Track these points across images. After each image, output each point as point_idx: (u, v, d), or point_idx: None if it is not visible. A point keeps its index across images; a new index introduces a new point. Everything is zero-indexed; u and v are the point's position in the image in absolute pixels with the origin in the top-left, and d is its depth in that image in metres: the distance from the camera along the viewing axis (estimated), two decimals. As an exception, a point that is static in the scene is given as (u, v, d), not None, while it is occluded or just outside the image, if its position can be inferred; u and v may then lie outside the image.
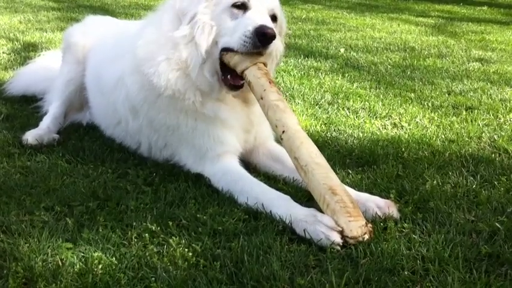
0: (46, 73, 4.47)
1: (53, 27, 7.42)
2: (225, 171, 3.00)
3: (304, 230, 2.48)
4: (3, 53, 5.96)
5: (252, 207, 2.73)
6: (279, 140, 3.00)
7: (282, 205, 2.68)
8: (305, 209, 2.63)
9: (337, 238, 2.42)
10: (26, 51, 6.00)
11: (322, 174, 2.62)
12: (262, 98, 2.87)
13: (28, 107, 4.28)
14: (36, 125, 3.77)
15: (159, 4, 3.37)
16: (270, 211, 2.66)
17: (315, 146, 2.76)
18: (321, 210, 2.58)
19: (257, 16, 2.93)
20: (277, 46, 3.15)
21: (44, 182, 2.99)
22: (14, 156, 3.33)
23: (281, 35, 3.28)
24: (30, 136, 3.53)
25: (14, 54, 5.89)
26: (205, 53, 3.00)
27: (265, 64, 2.98)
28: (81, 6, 9.35)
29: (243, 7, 2.98)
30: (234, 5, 2.98)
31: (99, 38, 3.92)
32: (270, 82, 2.89)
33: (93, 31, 4.02)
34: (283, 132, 2.76)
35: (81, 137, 3.73)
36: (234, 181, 2.92)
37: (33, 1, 9.60)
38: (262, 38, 2.84)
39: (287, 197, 2.74)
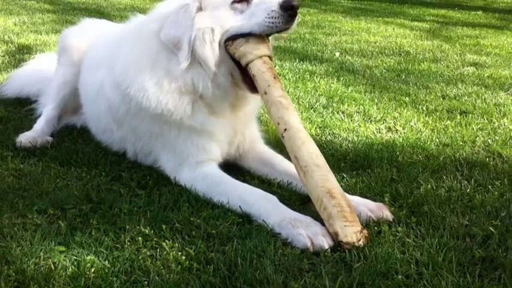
0: (40, 75, 4.45)
1: (48, 29, 7.40)
2: (204, 175, 2.97)
3: (285, 232, 2.50)
4: (-3, 55, 5.94)
5: (242, 209, 2.71)
6: (270, 141, 2.97)
7: (270, 203, 2.68)
8: (294, 212, 2.63)
9: (323, 240, 2.43)
10: (21, 54, 5.98)
11: (321, 176, 2.60)
12: (266, 93, 2.83)
13: (22, 109, 4.26)
14: (30, 128, 3.75)
15: (149, 8, 3.33)
16: (259, 213, 2.65)
17: (316, 147, 2.74)
18: (316, 212, 2.58)
19: None
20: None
21: (37, 184, 2.98)
22: (7, 159, 3.31)
23: None
24: (24, 138, 3.51)
25: (9, 57, 5.87)
26: (215, 65, 2.94)
27: (270, 58, 2.94)
28: (76, 8, 9.33)
29: (243, 0, 2.93)
30: (235, 1, 2.94)
31: (94, 41, 3.90)
32: (274, 77, 2.86)
33: (89, 34, 4.00)
34: (285, 130, 2.73)
35: (75, 139, 3.72)
36: (215, 183, 2.91)
37: (28, 3, 9.58)
38: (291, 11, 2.83)
39: (274, 197, 2.73)
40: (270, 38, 3.04)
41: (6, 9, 8.84)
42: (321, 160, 2.69)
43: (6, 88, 4.51)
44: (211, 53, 2.92)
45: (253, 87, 2.92)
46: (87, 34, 4.00)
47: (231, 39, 2.91)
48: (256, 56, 2.87)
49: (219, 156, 3.14)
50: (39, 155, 3.38)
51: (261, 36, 2.91)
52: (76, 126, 3.96)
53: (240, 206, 2.72)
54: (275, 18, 2.84)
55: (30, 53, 5.96)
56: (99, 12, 8.85)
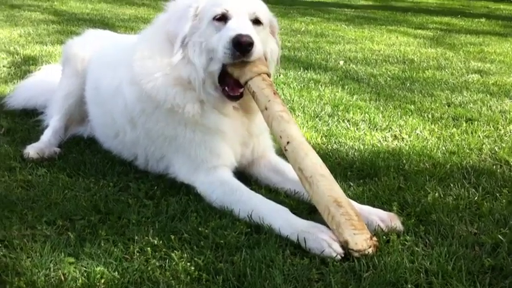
0: (46, 86, 4.46)
1: (53, 40, 7.44)
2: (221, 181, 3.00)
3: (304, 240, 2.49)
4: (3, 66, 5.97)
5: (253, 220, 2.72)
6: (280, 152, 3.00)
7: (280, 216, 2.68)
8: (305, 221, 2.64)
9: (339, 248, 2.43)
10: (26, 65, 6.01)
11: (327, 186, 2.61)
12: (266, 109, 2.86)
13: (29, 120, 4.28)
14: (37, 139, 3.76)
15: (154, 18, 3.40)
16: (269, 223, 2.66)
17: (319, 158, 2.76)
18: (323, 222, 2.58)
19: (236, 25, 2.92)
20: (270, 47, 3.16)
21: (46, 195, 2.99)
22: (15, 170, 3.33)
23: (274, 35, 3.26)
24: (32, 150, 3.53)
25: (14, 68, 5.90)
26: (204, 72, 3.01)
27: (268, 75, 2.98)
28: (80, 19, 9.38)
29: (224, 18, 2.97)
30: (215, 18, 2.99)
31: (99, 50, 3.93)
32: (274, 93, 2.89)
33: (93, 44, 4.04)
34: (288, 143, 2.76)
35: (82, 150, 3.73)
36: (231, 191, 2.92)
37: (33, 15, 9.63)
38: (239, 47, 2.83)
39: (285, 209, 2.74)
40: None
41: (11, 21, 8.89)
42: (325, 170, 2.70)
43: (12, 100, 4.52)
44: (200, 62, 3.01)
45: (229, 96, 3.00)
46: (91, 44, 4.03)
47: None
48: (255, 73, 2.90)
49: (233, 160, 3.16)
50: (47, 166, 3.40)
51: None
52: (83, 137, 3.97)
53: (252, 217, 2.73)
54: (228, 50, 2.87)
55: (35, 64, 5.99)
56: (103, 23, 8.89)
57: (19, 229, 2.62)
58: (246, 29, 2.90)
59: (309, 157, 2.71)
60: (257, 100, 2.91)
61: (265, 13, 3.13)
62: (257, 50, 2.89)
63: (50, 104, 4.23)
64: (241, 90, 2.99)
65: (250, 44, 2.84)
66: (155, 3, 11.50)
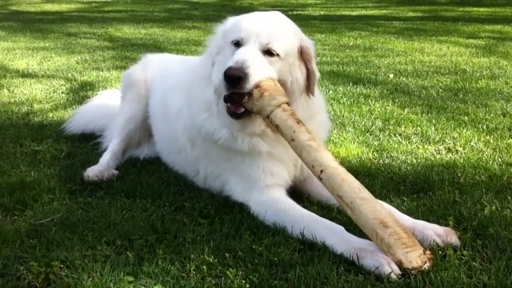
0: (104, 111, 4.64)
1: (109, 66, 7.71)
2: (274, 201, 3.03)
3: (362, 259, 2.48)
4: (62, 93, 6.22)
5: (306, 237, 2.73)
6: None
7: (334, 234, 2.68)
8: (360, 239, 2.63)
9: (398, 269, 2.41)
10: (84, 91, 6.24)
11: (369, 208, 2.58)
12: (293, 140, 2.85)
13: (87, 144, 4.43)
14: (95, 162, 3.90)
15: (204, 40, 3.51)
16: (324, 240, 2.66)
17: (356, 180, 2.73)
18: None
19: (238, 56, 2.92)
20: (294, 76, 3.09)
21: (105, 216, 3.09)
22: (75, 193, 3.46)
23: (308, 62, 3.15)
24: (92, 172, 3.66)
25: (73, 94, 6.14)
26: (215, 91, 3.09)
27: (288, 104, 2.96)
28: (134, 44, 9.67)
29: (238, 45, 3.02)
30: (233, 42, 3.05)
31: (161, 68, 4.11)
32: (297, 122, 2.87)
33: (153, 66, 4.22)
34: (321, 171, 2.73)
35: (139, 171, 3.84)
36: (285, 210, 2.94)
37: (89, 42, 10.00)
38: (228, 80, 2.85)
39: (340, 226, 2.75)
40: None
41: (68, 49, 9.26)
42: (365, 192, 2.67)
43: (72, 125, 4.69)
44: (216, 80, 3.07)
45: (232, 113, 3.00)
46: (151, 67, 4.21)
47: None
48: (275, 106, 2.89)
49: (287, 178, 3.20)
50: (105, 188, 3.52)
51: (272, 84, 2.94)
52: (139, 159, 4.09)
53: (305, 235, 2.74)
54: (222, 81, 2.90)
55: (92, 89, 6.21)
56: (155, 47, 9.13)
57: (80, 250, 2.73)
58: (247, 61, 2.88)
59: (345, 182, 2.68)
60: (282, 133, 2.90)
61: (283, 44, 3.03)
62: (252, 82, 2.86)
63: (109, 127, 4.39)
64: (242, 109, 2.97)
65: (239, 78, 2.83)
66: (205, 25, 11.73)
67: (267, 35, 3.00)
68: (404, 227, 2.54)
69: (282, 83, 3.03)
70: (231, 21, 3.20)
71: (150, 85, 4.10)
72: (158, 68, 4.15)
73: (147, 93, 4.09)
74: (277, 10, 3.36)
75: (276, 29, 3.07)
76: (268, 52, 2.99)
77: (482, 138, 4.38)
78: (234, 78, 2.84)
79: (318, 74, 3.21)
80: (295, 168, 3.25)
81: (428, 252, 2.47)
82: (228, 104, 3.01)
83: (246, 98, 2.91)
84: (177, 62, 4.21)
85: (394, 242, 2.46)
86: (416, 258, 2.41)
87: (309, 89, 3.18)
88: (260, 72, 2.90)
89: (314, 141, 2.84)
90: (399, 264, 2.42)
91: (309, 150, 2.80)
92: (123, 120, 4.11)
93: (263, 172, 3.13)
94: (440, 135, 4.46)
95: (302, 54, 3.15)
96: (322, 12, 14.85)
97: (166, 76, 3.97)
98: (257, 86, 2.88)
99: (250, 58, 2.91)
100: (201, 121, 3.22)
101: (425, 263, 2.42)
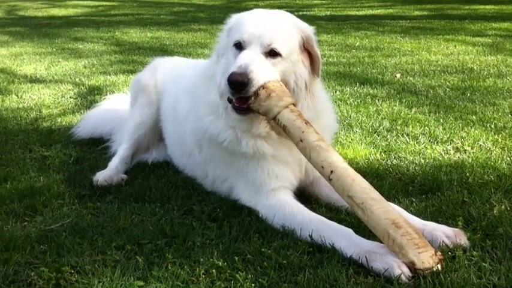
0: (112, 115, 4.67)
1: (116, 70, 7.73)
2: (282, 204, 3.02)
3: (371, 261, 2.48)
4: (70, 97, 6.24)
5: (315, 241, 2.73)
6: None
7: (343, 236, 2.68)
8: (370, 241, 2.62)
9: (408, 271, 2.40)
10: (92, 95, 6.26)
11: (381, 209, 2.57)
12: (302, 141, 2.83)
13: (96, 149, 4.45)
14: (104, 166, 3.92)
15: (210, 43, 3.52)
16: (332, 243, 2.66)
17: (366, 181, 2.73)
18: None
19: (241, 60, 2.91)
20: (298, 75, 3.06)
21: (114, 221, 3.11)
22: (84, 198, 3.48)
23: (311, 48, 3.13)
24: (101, 177, 3.68)
25: (80, 99, 6.16)
26: (220, 93, 3.09)
27: (294, 104, 2.96)
28: (141, 48, 9.69)
29: (240, 47, 3.01)
30: (234, 45, 3.05)
31: (172, 70, 4.14)
32: (306, 123, 2.87)
33: (162, 70, 4.24)
34: (332, 172, 2.72)
35: (147, 175, 3.86)
36: (293, 214, 2.93)
37: (96, 46, 10.03)
38: (232, 85, 2.86)
39: (348, 229, 2.74)
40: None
41: (76, 53, 9.30)
42: (375, 193, 2.66)
43: (80, 129, 4.71)
44: (220, 81, 3.09)
45: (236, 108, 2.99)
46: (161, 71, 4.23)
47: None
48: (282, 107, 2.89)
49: (294, 182, 3.20)
50: (114, 193, 3.54)
51: (278, 85, 2.94)
52: (147, 163, 4.11)
53: (314, 239, 2.74)
54: (226, 86, 2.90)
55: (100, 93, 6.24)
56: (162, 50, 9.15)
57: (90, 255, 2.74)
58: (249, 66, 2.87)
59: (356, 183, 2.67)
60: (290, 133, 2.88)
61: (285, 43, 3.01)
62: (256, 85, 2.87)
63: (116, 131, 4.41)
64: (245, 105, 2.96)
65: (241, 84, 2.84)
66: (211, 28, 11.75)
67: (269, 36, 2.98)
68: (415, 228, 2.54)
69: (285, 83, 3.03)
70: (234, 19, 3.21)
71: (160, 88, 4.12)
72: (168, 71, 4.17)
73: (158, 97, 4.11)
74: (283, 11, 3.34)
75: (278, 28, 3.05)
76: (270, 53, 2.98)
77: (491, 138, 4.36)
78: (238, 83, 2.85)
79: (320, 57, 3.18)
80: (300, 170, 3.25)
81: (439, 253, 2.47)
82: (234, 100, 3.00)
83: (252, 98, 2.91)
84: (188, 65, 4.22)
85: (406, 242, 2.45)
86: (428, 259, 2.41)
87: (314, 71, 3.16)
88: (263, 76, 2.91)
89: (323, 142, 2.84)
90: (411, 265, 2.41)
91: (319, 151, 2.79)
92: (134, 126, 4.13)
93: (268, 175, 3.12)
94: (448, 135, 4.45)
95: (304, 44, 3.13)
96: (328, 13, 14.83)
97: (177, 79, 3.98)
98: (263, 86, 2.89)
99: (252, 62, 2.91)
100: (206, 124, 3.23)
101: (437, 264, 2.41)
